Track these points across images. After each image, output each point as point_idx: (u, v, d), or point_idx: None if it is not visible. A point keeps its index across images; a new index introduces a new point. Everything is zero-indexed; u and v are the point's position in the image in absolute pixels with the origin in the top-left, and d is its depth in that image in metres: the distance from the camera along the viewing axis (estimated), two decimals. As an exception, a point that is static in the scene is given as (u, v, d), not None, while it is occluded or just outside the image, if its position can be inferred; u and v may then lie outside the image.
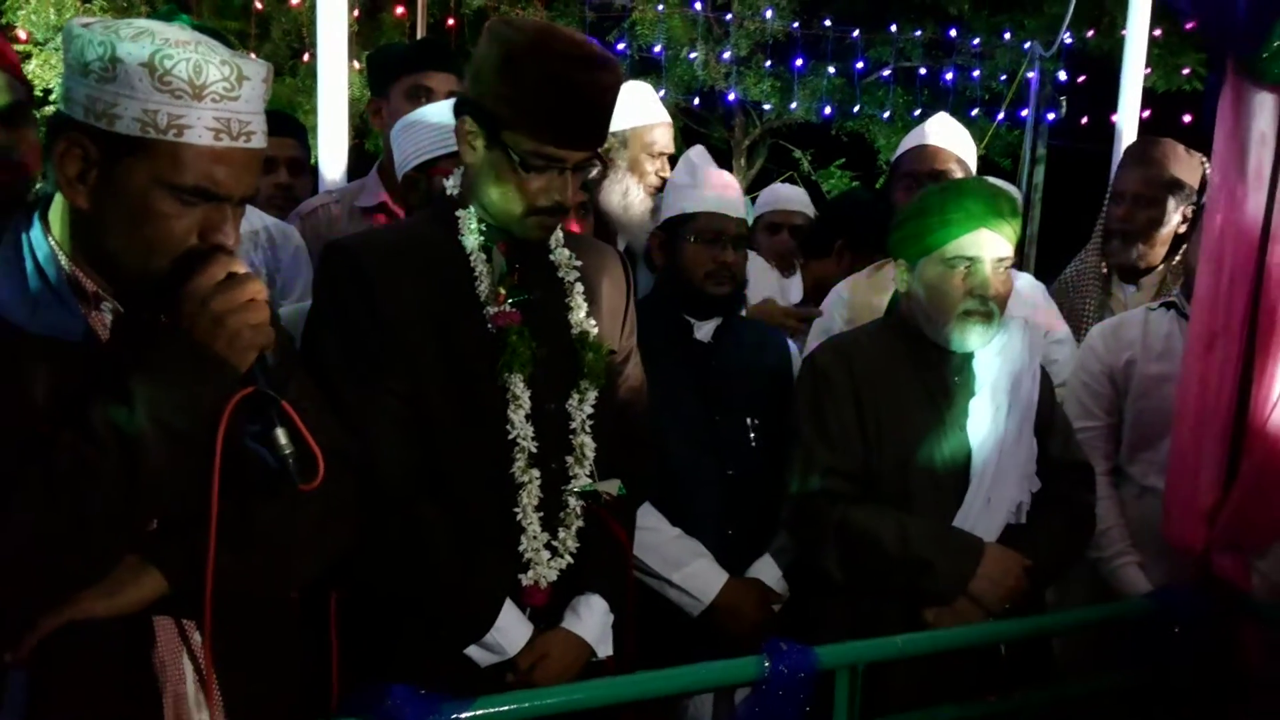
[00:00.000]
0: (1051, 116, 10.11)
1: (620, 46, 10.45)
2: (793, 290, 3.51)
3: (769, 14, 10.36)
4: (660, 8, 10.33)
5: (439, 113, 2.34)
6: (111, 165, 1.37)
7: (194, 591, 1.41)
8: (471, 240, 1.91)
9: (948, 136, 3.07)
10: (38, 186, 2.17)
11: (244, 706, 1.51)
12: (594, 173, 2.56)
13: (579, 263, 2.02)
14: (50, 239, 1.44)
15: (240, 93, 1.40)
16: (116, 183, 1.38)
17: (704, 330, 2.50)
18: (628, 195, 2.84)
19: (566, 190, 1.86)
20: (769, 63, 10.83)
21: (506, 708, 1.63)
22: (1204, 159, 3.17)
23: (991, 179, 2.46)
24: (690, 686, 2.10)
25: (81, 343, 1.42)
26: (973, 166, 3.10)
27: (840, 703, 1.94)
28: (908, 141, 3.15)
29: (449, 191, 1.97)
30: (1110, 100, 5.07)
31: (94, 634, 1.39)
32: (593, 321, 1.99)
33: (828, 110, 10.91)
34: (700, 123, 12.21)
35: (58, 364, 1.39)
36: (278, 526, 1.50)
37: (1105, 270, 3.31)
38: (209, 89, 1.37)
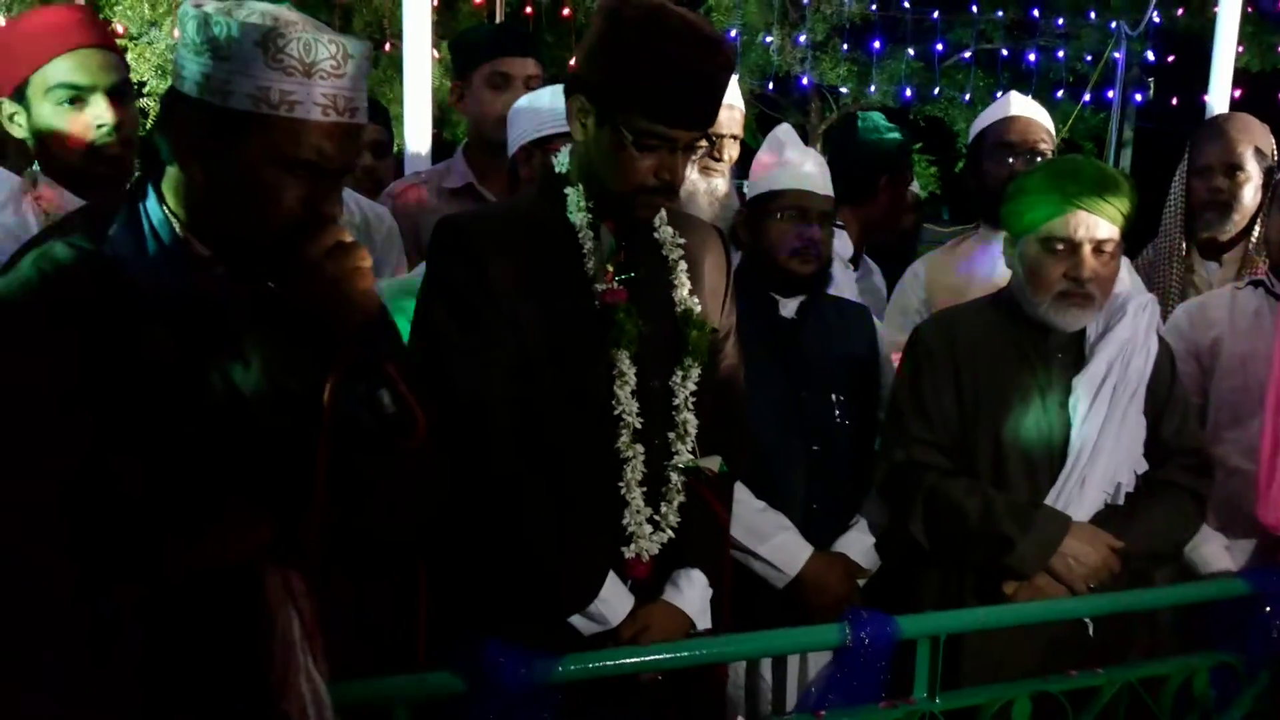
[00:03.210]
0: (1139, 98, 9.85)
1: (695, 32, 10.41)
2: (843, 247, 3.28)
3: (846, -3, 10.28)
4: (736, -8, 10.32)
5: (557, 95, 2.38)
6: (224, 139, 1.43)
7: (301, 541, 1.48)
8: (579, 218, 1.93)
9: (1031, 109, 3.03)
10: (137, 161, 2.29)
11: (343, 651, 1.59)
12: (700, 152, 2.57)
13: (683, 240, 2.03)
14: (164, 208, 1.51)
15: (346, 70, 1.45)
16: (229, 156, 1.44)
17: (789, 307, 2.51)
18: None
19: (676, 169, 1.86)
20: (845, 46, 10.73)
21: (596, 665, 1.68)
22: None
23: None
24: (773, 651, 2.14)
25: (195, 305, 1.48)
26: (1052, 142, 3.05)
27: (921, 672, 1.96)
28: (989, 115, 3.09)
29: (558, 169, 1.99)
30: (1200, 81, 4.91)
31: (206, 580, 1.46)
32: (696, 299, 2.01)
33: (906, 93, 10.78)
34: (775, 108, 12.14)
35: (174, 324, 1.45)
36: (380, 481, 1.57)
37: (1185, 249, 3.25)
38: (319, 67, 1.42)
